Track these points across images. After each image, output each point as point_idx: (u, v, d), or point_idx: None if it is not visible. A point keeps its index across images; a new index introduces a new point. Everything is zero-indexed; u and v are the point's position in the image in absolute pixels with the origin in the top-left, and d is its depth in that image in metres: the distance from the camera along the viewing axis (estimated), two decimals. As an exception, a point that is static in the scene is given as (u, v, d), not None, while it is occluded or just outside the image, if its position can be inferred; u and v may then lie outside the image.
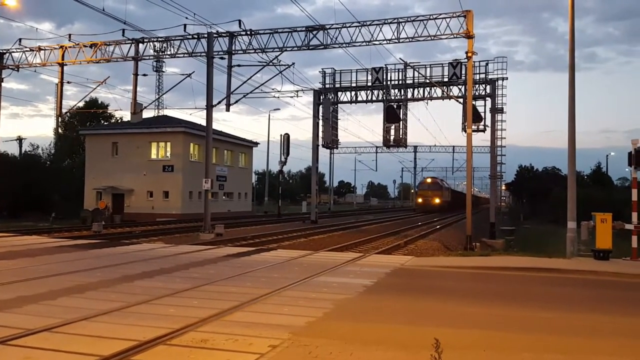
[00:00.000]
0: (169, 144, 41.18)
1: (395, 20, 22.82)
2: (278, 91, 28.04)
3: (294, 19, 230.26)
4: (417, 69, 32.41)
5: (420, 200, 68.41)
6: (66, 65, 26.44)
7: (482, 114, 31.54)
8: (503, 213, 58.70)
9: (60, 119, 56.57)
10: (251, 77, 25.07)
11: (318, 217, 36.80)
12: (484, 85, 32.04)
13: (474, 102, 28.45)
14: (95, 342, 5.82)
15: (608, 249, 14.46)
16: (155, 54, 26.07)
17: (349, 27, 23.45)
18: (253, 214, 49.02)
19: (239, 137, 50.45)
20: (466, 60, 21.64)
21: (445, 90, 31.86)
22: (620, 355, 6.07)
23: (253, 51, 24.44)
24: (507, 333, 6.88)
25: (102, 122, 58.47)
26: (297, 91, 29.07)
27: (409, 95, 34.60)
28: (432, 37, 22.29)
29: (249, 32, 24.22)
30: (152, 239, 22.33)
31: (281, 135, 43.82)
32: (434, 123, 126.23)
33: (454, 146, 64.01)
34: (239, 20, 24.03)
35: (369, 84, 34.34)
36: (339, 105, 37.48)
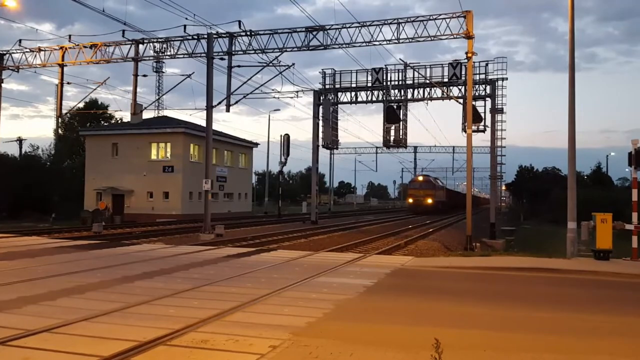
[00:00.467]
0: (169, 144, 41.18)
1: (395, 21, 22.82)
2: (278, 92, 28.04)
3: (294, 19, 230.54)
4: (417, 70, 32.42)
5: (410, 200, 62.00)
6: (66, 66, 26.43)
7: (482, 115, 31.54)
8: (503, 213, 58.82)
9: (60, 120, 56.62)
10: (251, 77, 25.09)
11: (318, 218, 36.78)
12: (484, 86, 32.03)
13: (474, 103, 28.45)
14: (95, 342, 5.82)
15: (608, 249, 14.47)
16: (155, 54, 26.05)
17: (349, 27, 23.45)
18: (253, 215, 49.01)
19: (239, 138, 50.46)
20: (466, 60, 21.63)
21: (445, 90, 31.86)
22: (621, 355, 6.07)
23: (253, 52, 24.44)
24: (507, 333, 6.87)
25: (102, 122, 58.50)
26: (297, 92, 29.06)
27: (409, 96, 34.59)
28: (432, 38, 22.29)
29: (248, 33, 24.23)
30: (152, 239, 22.33)
31: (281, 135, 43.87)
32: (434, 123, 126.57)
33: (454, 146, 64.21)
34: (239, 21, 24.05)
35: (369, 84, 34.33)
36: (339, 105, 37.47)
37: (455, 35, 21.37)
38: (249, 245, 19.62)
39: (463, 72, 29.93)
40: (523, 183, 68.89)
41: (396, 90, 34.59)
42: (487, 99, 31.91)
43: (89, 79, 55.21)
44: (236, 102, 25.68)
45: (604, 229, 14.49)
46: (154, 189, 40.49)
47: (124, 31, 23.94)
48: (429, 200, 59.44)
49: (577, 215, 15.42)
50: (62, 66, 26.36)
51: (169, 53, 25.53)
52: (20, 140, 55.29)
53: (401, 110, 34.91)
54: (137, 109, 26.62)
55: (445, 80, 31.81)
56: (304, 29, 23.80)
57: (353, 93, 35.93)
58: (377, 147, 58.96)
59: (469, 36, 20.72)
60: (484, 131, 31.65)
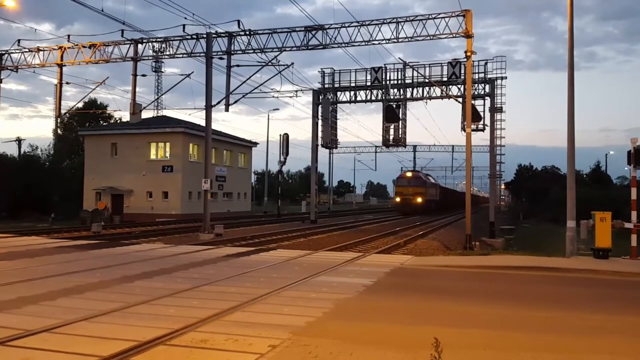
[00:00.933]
0: (168, 144, 41.17)
1: (394, 20, 22.82)
2: (277, 91, 28.05)
3: (294, 19, 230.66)
4: (416, 69, 32.42)
5: (398, 199, 55.64)
6: (65, 66, 26.42)
7: (482, 113, 31.53)
8: (502, 212, 58.88)
9: (59, 120, 56.50)
10: (250, 77, 25.08)
11: (317, 217, 36.78)
12: (483, 85, 32.03)
13: (473, 102, 28.46)
14: (95, 342, 5.82)
15: (607, 247, 14.47)
16: (154, 54, 26.04)
17: (348, 27, 23.44)
18: (252, 214, 49.00)
19: (238, 137, 50.45)
20: (465, 59, 21.63)
21: (445, 89, 31.87)
22: (621, 354, 6.07)
23: (252, 51, 24.44)
24: (507, 332, 6.88)
25: (102, 122, 58.46)
26: (296, 91, 29.07)
27: (408, 95, 34.58)
28: (431, 37, 22.29)
29: (247, 32, 24.22)
30: (152, 239, 22.32)
31: (280, 135, 43.89)
32: (433, 122, 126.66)
33: (453, 145, 63.93)
34: (238, 21, 24.05)
35: (368, 83, 34.32)
36: (338, 105, 37.48)
37: (454, 35, 21.37)
38: (249, 245, 19.62)
39: (462, 71, 29.93)
40: (522, 182, 68.99)
41: (395, 90, 34.59)
42: (486, 98, 31.92)
43: (88, 79, 55.23)
44: (235, 102, 25.69)
45: (603, 228, 14.49)
46: (153, 188, 40.48)
47: (123, 31, 23.94)
48: (419, 199, 53.21)
49: (577, 214, 15.43)
50: (61, 66, 26.35)
51: (168, 53, 25.53)
52: (19, 141, 55.22)
53: (400, 110, 34.89)
54: (136, 108, 26.61)
55: (445, 79, 31.81)
56: (303, 29, 23.80)
57: (352, 92, 35.93)
58: (376, 146, 58.81)
59: (468, 35, 20.72)
60: (483, 130, 31.67)
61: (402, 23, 22.75)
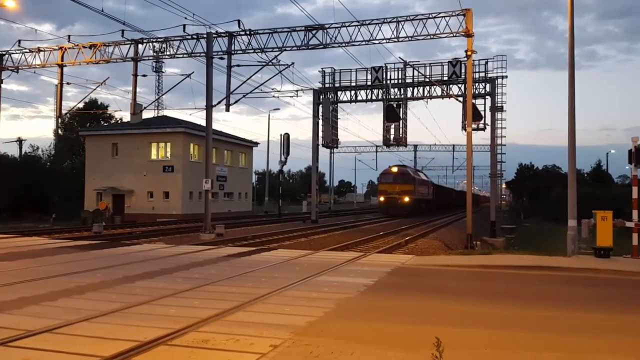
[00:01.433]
0: (169, 144, 41.19)
1: (395, 20, 22.81)
2: (278, 91, 28.07)
3: (294, 18, 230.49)
4: (416, 68, 32.40)
5: (382, 198, 47.95)
6: (65, 66, 26.43)
7: (482, 113, 31.51)
8: (503, 211, 58.76)
9: (60, 120, 56.53)
10: (251, 77, 25.09)
11: (318, 217, 36.77)
12: (483, 84, 32.01)
13: (473, 101, 28.44)
14: (96, 342, 5.82)
15: (609, 246, 14.46)
16: (155, 54, 26.05)
17: (349, 26, 23.43)
18: (253, 214, 49.00)
19: (239, 137, 50.47)
20: (466, 58, 21.62)
21: (445, 89, 31.85)
22: (622, 353, 6.07)
23: (252, 51, 24.44)
24: (508, 331, 6.87)
25: (102, 123, 58.47)
26: (296, 91, 29.09)
27: (409, 94, 34.58)
28: (432, 36, 22.27)
29: (248, 32, 24.22)
30: (153, 239, 22.33)
31: (281, 135, 43.82)
32: (434, 122, 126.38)
33: (454, 145, 63.93)
34: (238, 20, 24.05)
35: (369, 83, 34.31)
36: (338, 104, 37.47)
37: (454, 34, 21.36)
38: (250, 245, 19.63)
39: (463, 71, 29.91)
40: (523, 181, 68.98)
41: (396, 89, 34.58)
42: (487, 97, 31.90)
43: (89, 79, 55.27)
44: (236, 102, 25.70)
45: (604, 227, 14.48)
46: (154, 188, 40.50)
47: (123, 31, 23.95)
48: (406, 199, 45.94)
49: (578, 213, 15.41)
50: (61, 66, 26.36)
51: (168, 53, 25.54)
52: (20, 141, 55.33)
53: (401, 109, 34.88)
54: (136, 108, 26.63)
55: (445, 78, 31.80)
56: (303, 28, 23.79)
57: (353, 92, 35.92)
58: (377, 146, 58.88)
59: (468, 34, 20.70)
60: (484, 129, 31.66)
61: (403, 22, 22.75)
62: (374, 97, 35.34)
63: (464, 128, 27.95)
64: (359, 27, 23.25)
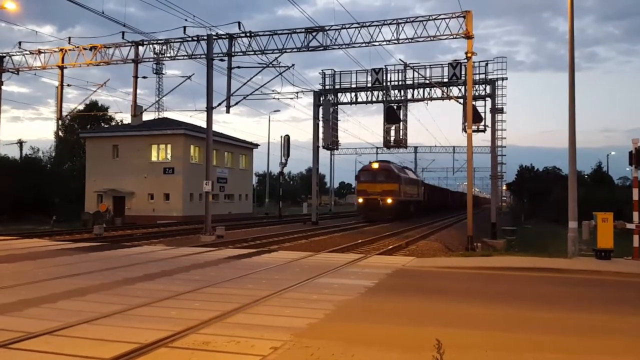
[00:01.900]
0: (169, 146, 41.21)
1: (395, 21, 22.82)
2: (278, 93, 28.15)
3: (295, 20, 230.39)
4: (417, 70, 32.42)
5: (360, 200, 41.04)
6: (66, 68, 26.47)
7: (482, 114, 31.51)
8: (504, 213, 58.72)
9: (60, 122, 56.50)
10: (251, 78, 25.13)
11: (319, 218, 36.75)
12: (484, 86, 32.02)
13: (474, 103, 28.44)
14: (96, 345, 5.82)
15: (609, 248, 14.45)
16: (155, 56, 26.08)
17: (349, 28, 23.44)
18: (254, 216, 49.01)
19: (240, 139, 50.50)
20: (466, 60, 21.62)
21: (445, 90, 31.85)
22: (623, 355, 6.06)
23: (253, 53, 24.47)
24: (509, 333, 6.87)
25: (103, 124, 58.51)
26: (297, 93, 29.17)
27: (409, 96, 34.57)
28: (432, 38, 22.29)
29: (248, 34, 24.25)
30: (153, 241, 22.32)
31: (281, 136, 43.93)
32: (434, 124, 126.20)
33: (454, 146, 63.98)
34: (239, 22, 24.09)
35: (369, 85, 34.32)
36: (339, 106, 37.47)
37: (454, 36, 21.36)
38: (250, 247, 19.62)
39: (463, 72, 29.92)
40: (524, 183, 68.94)
41: (396, 91, 34.58)
42: (487, 98, 31.91)
43: (89, 81, 55.29)
44: (236, 104, 25.74)
45: (605, 229, 14.47)
46: (155, 190, 40.50)
47: (123, 33, 24.02)
48: (389, 200, 39.35)
49: (578, 215, 15.41)
50: (62, 68, 26.39)
51: (168, 55, 25.56)
52: (20, 143, 55.38)
53: (401, 111, 34.88)
54: (137, 110, 26.65)
55: (445, 80, 31.81)
56: (303, 30, 23.81)
57: (353, 94, 35.93)
58: (377, 148, 58.83)
59: (468, 36, 20.71)
60: (484, 131, 31.64)
61: (403, 24, 22.75)
62: (374, 99, 35.36)
63: (464, 130, 27.92)
64: (359, 29, 23.27)
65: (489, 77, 31.62)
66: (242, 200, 50.15)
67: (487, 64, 31.81)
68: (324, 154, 38.32)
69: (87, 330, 6.43)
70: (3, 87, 27.69)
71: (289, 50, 24.01)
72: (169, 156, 41.08)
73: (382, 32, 22.94)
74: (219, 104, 25.01)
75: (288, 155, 43.73)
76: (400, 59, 66.99)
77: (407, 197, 44.45)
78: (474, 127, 28.73)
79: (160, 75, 66.60)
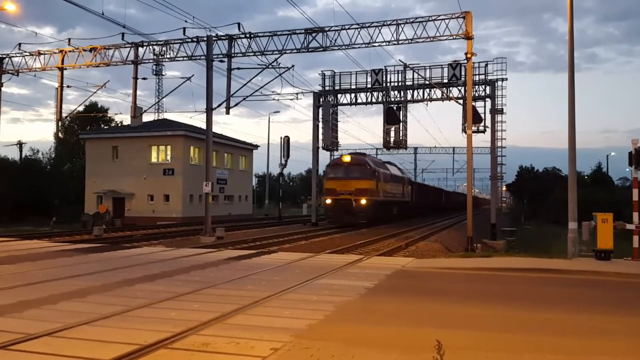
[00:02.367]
0: (169, 147, 41.23)
1: (395, 22, 22.82)
2: (278, 94, 28.16)
3: (295, 21, 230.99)
4: (416, 71, 32.42)
5: (329, 200, 34.32)
6: (66, 69, 26.48)
7: (482, 115, 31.48)
8: (504, 214, 58.73)
9: (60, 123, 56.57)
10: (251, 79, 25.12)
11: (319, 219, 36.74)
12: (483, 86, 32.01)
13: (473, 103, 28.41)
14: (96, 346, 5.82)
15: (609, 249, 14.45)
16: (155, 57, 26.10)
17: (348, 29, 23.45)
18: (254, 217, 49.01)
19: (239, 140, 50.53)
20: (466, 61, 21.62)
21: (445, 91, 31.86)
22: (623, 356, 6.06)
23: (252, 54, 24.47)
24: (509, 334, 6.86)
25: (102, 126, 58.53)
26: (297, 94, 29.16)
27: (409, 97, 34.56)
28: (432, 39, 22.29)
29: (248, 35, 24.26)
30: (153, 242, 22.32)
31: (281, 137, 43.85)
32: (434, 124, 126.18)
33: (454, 147, 63.85)
34: (238, 23, 24.09)
35: (369, 85, 34.32)
36: (338, 107, 37.45)
37: (454, 36, 21.36)
38: (250, 248, 19.61)
39: (463, 73, 29.93)
40: (524, 183, 69.01)
41: (396, 92, 34.57)
42: (487, 99, 31.89)
43: (89, 82, 55.32)
44: (236, 105, 25.73)
45: (605, 229, 14.47)
46: (155, 191, 40.51)
47: (123, 34, 24.03)
48: (363, 201, 33.05)
49: (578, 216, 15.41)
50: (61, 69, 26.40)
51: (168, 56, 25.56)
52: (20, 144, 55.41)
53: (401, 112, 34.86)
54: (137, 111, 26.63)
55: (445, 81, 31.81)
56: (303, 31, 23.80)
57: (353, 94, 35.91)
58: (377, 149, 58.54)
59: (468, 37, 20.71)
60: (484, 132, 31.62)
61: (403, 25, 22.75)
62: (374, 100, 35.35)
63: (464, 130, 27.91)
64: (359, 29, 23.28)
65: (489, 77, 31.61)
66: (242, 202, 50.15)
67: (487, 65, 31.81)
68: (323, 155, 38.32)
69: (87, 332, 6.43)
70: (3, 89, 27.70)
71: (289, 51, 24.02)
72: (168, 157, 41.10)
73: (381, 33, 22.95)
74: (219, 105, 25.03)
75: (288, 157, 43.72)
76: (400, 60, 67.09)
77: (388, 197, 38.37)
78: (474, 128, 28.72)
79: (160, 76, 66.57)
